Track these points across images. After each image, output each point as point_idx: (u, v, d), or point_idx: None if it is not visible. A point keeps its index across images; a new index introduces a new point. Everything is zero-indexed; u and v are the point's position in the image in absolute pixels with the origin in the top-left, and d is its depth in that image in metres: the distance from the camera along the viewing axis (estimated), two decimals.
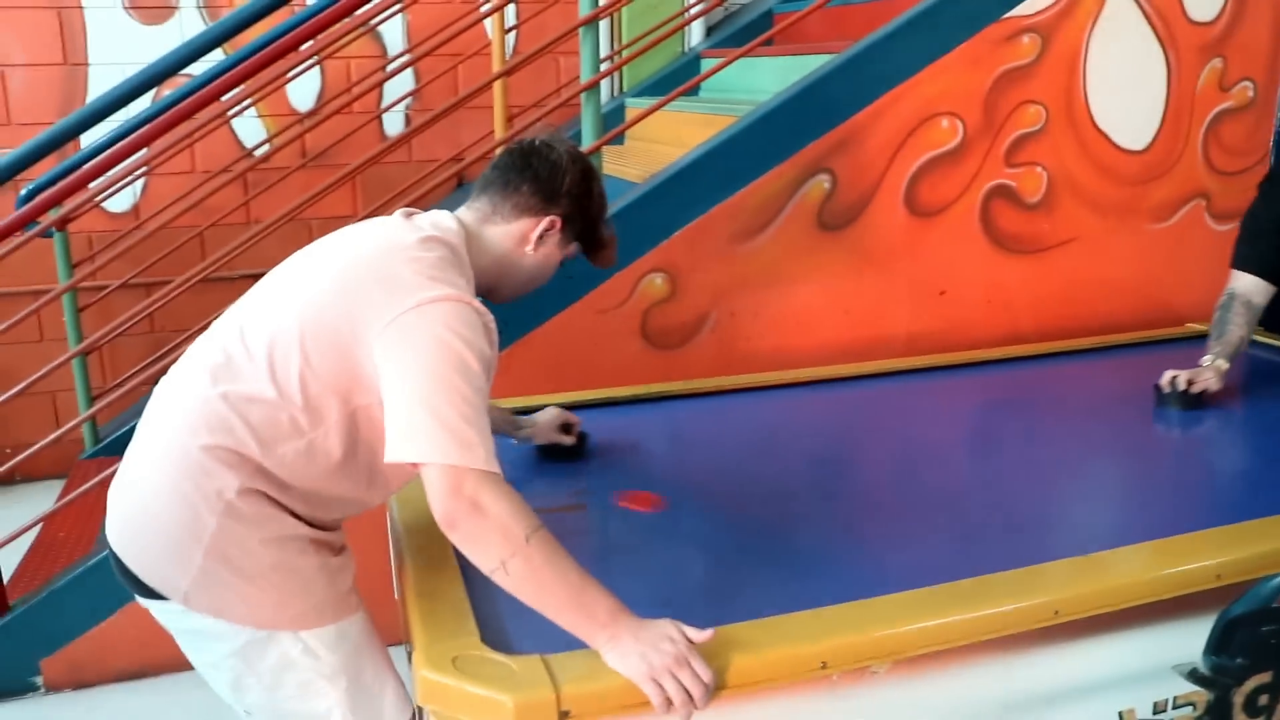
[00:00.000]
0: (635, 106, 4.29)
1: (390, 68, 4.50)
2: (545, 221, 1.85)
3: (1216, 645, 1.88)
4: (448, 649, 1.55)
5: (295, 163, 4.39)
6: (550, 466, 2.37)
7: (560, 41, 3.31)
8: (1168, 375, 2.79)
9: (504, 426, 2.34)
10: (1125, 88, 3.44)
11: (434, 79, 4.45)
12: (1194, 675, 1.88)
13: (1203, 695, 1.89)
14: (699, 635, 1.50)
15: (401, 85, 4.56)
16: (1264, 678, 1.96)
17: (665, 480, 2.31)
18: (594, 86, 3.03)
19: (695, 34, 4.74)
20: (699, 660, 1.47)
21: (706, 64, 4.47)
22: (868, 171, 3.19)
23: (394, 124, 4.69)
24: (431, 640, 1.59)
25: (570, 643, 1.52)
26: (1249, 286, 2.88)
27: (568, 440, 2.39)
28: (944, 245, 3.35)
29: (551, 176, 1.85)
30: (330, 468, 1.68)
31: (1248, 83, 3.63)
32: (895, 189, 3.24)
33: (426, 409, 1.52)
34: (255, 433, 1.63)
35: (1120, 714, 1.82)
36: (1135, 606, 1.78)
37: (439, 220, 1.82)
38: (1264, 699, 1.97)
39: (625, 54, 4.31)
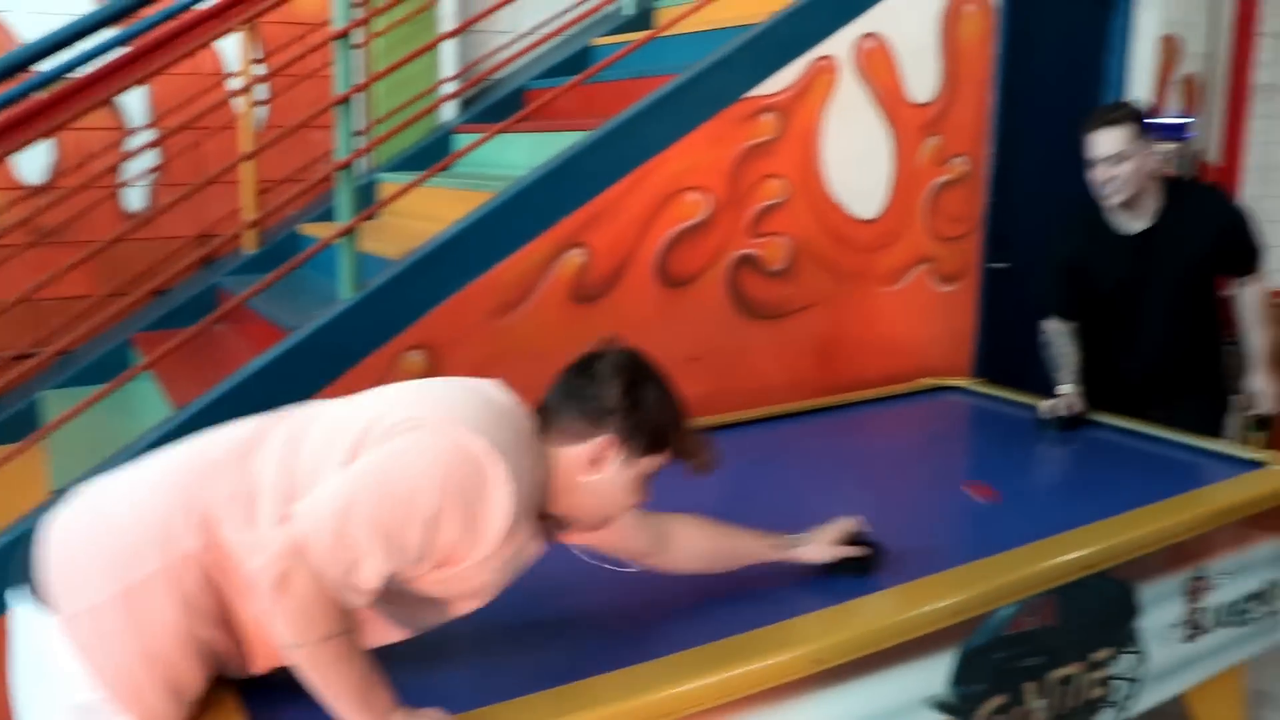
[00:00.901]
0: (388, 181, 4.31)
1: (133, 141, 4.36)
2: (596, 445, 1.73)
3: (959, 675, 2.06)
4: None
5: (22, 240, 4.17)
6: None
7: (313, 118, 3.31)
8: (1044, 405, 3.31)
9: (764, 551, 2.15)
10: (857, 162, 3.73)
11: (179, 153, 4.34)
12: (942, 705, 2.05)
13: None
14: None
15: (144, 158, 4.42)
16: (1000, 700, 2.16)
17: None
18: (348, 165, 3.04)
19: (448, 109, 4.80)
20: None
21: (458, 139, 4.54)
22: (620, 244, 3.32)
23: (134, 199, 4.53)
24: None
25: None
26: (1057, 324, 3.42)
27: (853, 552, 2.16)
28: (695, 313, 3.50)
29: (594, 396, 1.73)
30: None
31: (962, 158, 3.99)
32: (647, 261, 3.37)
33: (346, 497, 1.51)
34: (243, 508, 1.58)
35: None
36: (889, 648, 1.93)
37: (526, 412, 1.75)
38: (1000, 718, 2.16)
39: (379, 131, 4.33)
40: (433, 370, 3.07)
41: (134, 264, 4.13)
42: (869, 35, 3.68)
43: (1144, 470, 2.95)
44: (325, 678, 1.50)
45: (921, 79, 3.84)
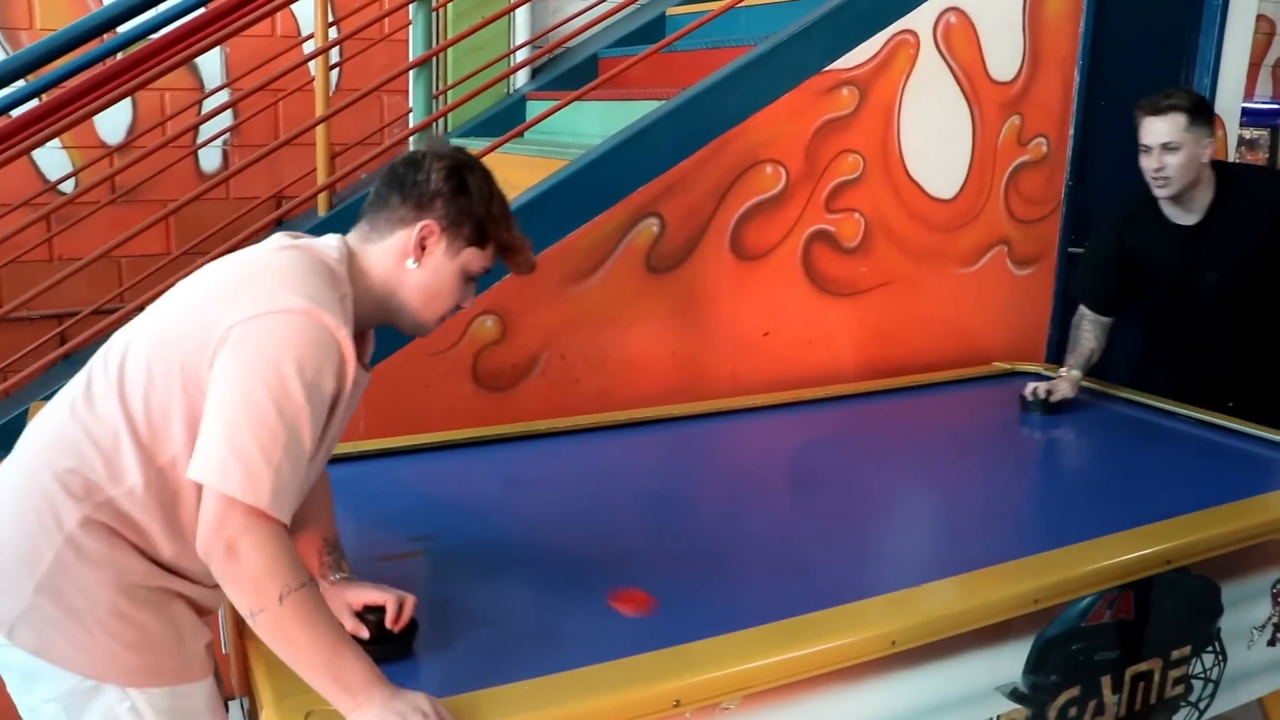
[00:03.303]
0: (462, 146, 4.31)
1: (208, 102, 4.39)
2: (419, 229, 1.69)
3: (1034, 665, 2.02)
4: (299, 704, 1.52)
5: (104, 198, 4.23)
6: (390, 508, 2.35)
7: (389, 81, 3.31)
8: (1030, 386, 3.21)
9: (312, 563, 1.88)
10: (935, 140, 3.66)
11: (254, 114, 4.36)
12: (1015, 694, 2.01)
13: (1022, 712, 2.03)
14: (448, 715, 1.50)
15: (219, 119, 4.45)
16: (1074, 692, 2.12)
17: (498, 525, 2.32)
18: (426, 128, 3.04)
19: (520, 75, 4.79)
20: None
21: (532, 105, 4.52)
22: (695, 216, 3.29)
23: (209, 159, 4.57)
24: (281, 696, 1.56)
25: (427, 689, 1.52)
26: (1086, 312, 3.33)
27: (359, 631, 1.73)
28: (767, 288, 3.47)
29: (417, 180, 1.70)
30: (185, 502, 1.59)
31: (1042, 138, 3.91)
32: (721, 233, 3.35)
33: (225, 431, 1.47)
34: (105, 459, 1.56)
35: None
36: (963, 633, 1.90)
37: (317, 240, 1.73)
38: (1074, 711, 2.13)
39: (453, 96, 4.32)
40: (506, 337, 3.07)
41: (209, 223, 4.16)
42: (952, 9, 3.60)
43: (1229, 464, 2.86)
44: (293, 642, 1.47)
45: (1004, 56, 3.76)
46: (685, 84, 3.31)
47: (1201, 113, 3.03)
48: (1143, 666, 2.24)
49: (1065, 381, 3.24)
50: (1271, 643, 2.50)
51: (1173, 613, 2.28)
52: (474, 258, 1.74)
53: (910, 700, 1.87)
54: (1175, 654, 2.30)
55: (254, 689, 1.70)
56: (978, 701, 1.97)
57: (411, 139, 3.11)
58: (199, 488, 1.52)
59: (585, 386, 3.24)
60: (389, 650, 1.69)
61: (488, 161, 3.28)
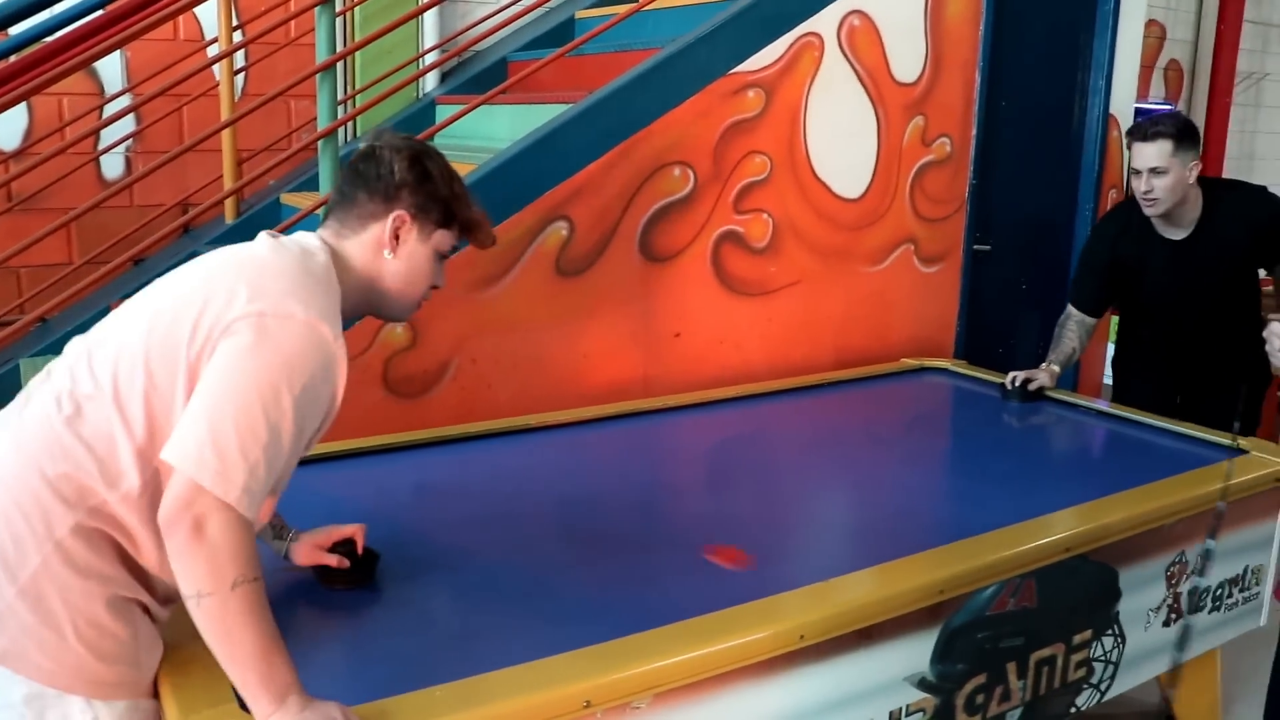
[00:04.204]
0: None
1: (110, 107, 4.29)
2: (392, 220, 1.77)
3: (941, 654, 2.06)
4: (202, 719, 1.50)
5: (0, 206, 4.11)
6: (300, 517, 2.32)
7: (294, 86, 3.27)
8: (1010, 375, 3.40)
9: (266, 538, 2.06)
10: (841, 141, 3.72)
11: (157, 120, 4.27)
12: (923, 684, 2.05)
13: (931, 701, 2.07)
14: None
15: (120, 124, 4.35)
16: (981, 679, 2.16)
17: (412, 531, 2.30)
18: (332, 133, 3.01)
19: (429, 79, 4.75)
20: None
21: (441, 109, 4.49)
22: (604, 218, 3.30)
23: (111, 166, 4.47)
24: (185, 711, 1.54)
25: (342, 697, 1.51)
26: (1075, 312, 3.48)
27: (330, 562, 1.99)
28: (678, 289, 3.50)
29: (381, 175, 1.77)
30: None
31: (946, 138, 3.99)
32: (631, 235, 3.36)
33: (208, 422, 1.49)
34: (99, 462, 1.55)
35: None
36: (871, 625, 1.93)
37: (302, 238, 1.78)
38: (980, 698, 2.17)
39: (361, 100, 4.28)
40: (416, 343, 3.05)
41: (112, 231, 4.06)
42: (855, 12, 3.66)
43: (1125, 454, 2.96)
44: (230, 633, 1.46)
45: (907, 58, 3.83)
46: (594, 87, 3.32)
47: (1187, 137, 3.20)
48: (1046, 652, 2.29)
49: (1044, 373, 3.39)
50: (1166, 623, 2.58)
51: (1073, 598, 2.34)
52: (443, 238, 1.83)
53: (821, 693, 1.89)
54: (1077, 638, 2.36)
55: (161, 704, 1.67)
56: (887, 692, 2.00)
57: (318, 143, 3.07)
58: None
59: (498, 391, 3.23)
60: (363, 576, 2.00)
61: None
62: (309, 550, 2.01)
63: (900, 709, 2.02)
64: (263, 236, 1.77)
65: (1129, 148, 3.26)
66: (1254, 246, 3.27)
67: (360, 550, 2.01)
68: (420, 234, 1.80)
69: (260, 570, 1.50)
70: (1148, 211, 3.25)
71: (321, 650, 1.81)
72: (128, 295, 3.80)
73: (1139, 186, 3.21)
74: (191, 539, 1.45)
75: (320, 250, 1.75)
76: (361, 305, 1.82)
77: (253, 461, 1.49)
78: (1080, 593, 2.35)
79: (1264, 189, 3.35)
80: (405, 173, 1.77)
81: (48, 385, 1.63)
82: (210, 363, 1.54)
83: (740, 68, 3.43)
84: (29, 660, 1.53)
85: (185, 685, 1.60)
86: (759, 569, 2.14)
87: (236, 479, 1.47)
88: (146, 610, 1.63)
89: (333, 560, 1.98)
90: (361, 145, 1.84)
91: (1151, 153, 3.15)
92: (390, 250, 1.79)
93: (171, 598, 1.65)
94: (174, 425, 1.54)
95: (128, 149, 4.43)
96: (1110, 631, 2.43)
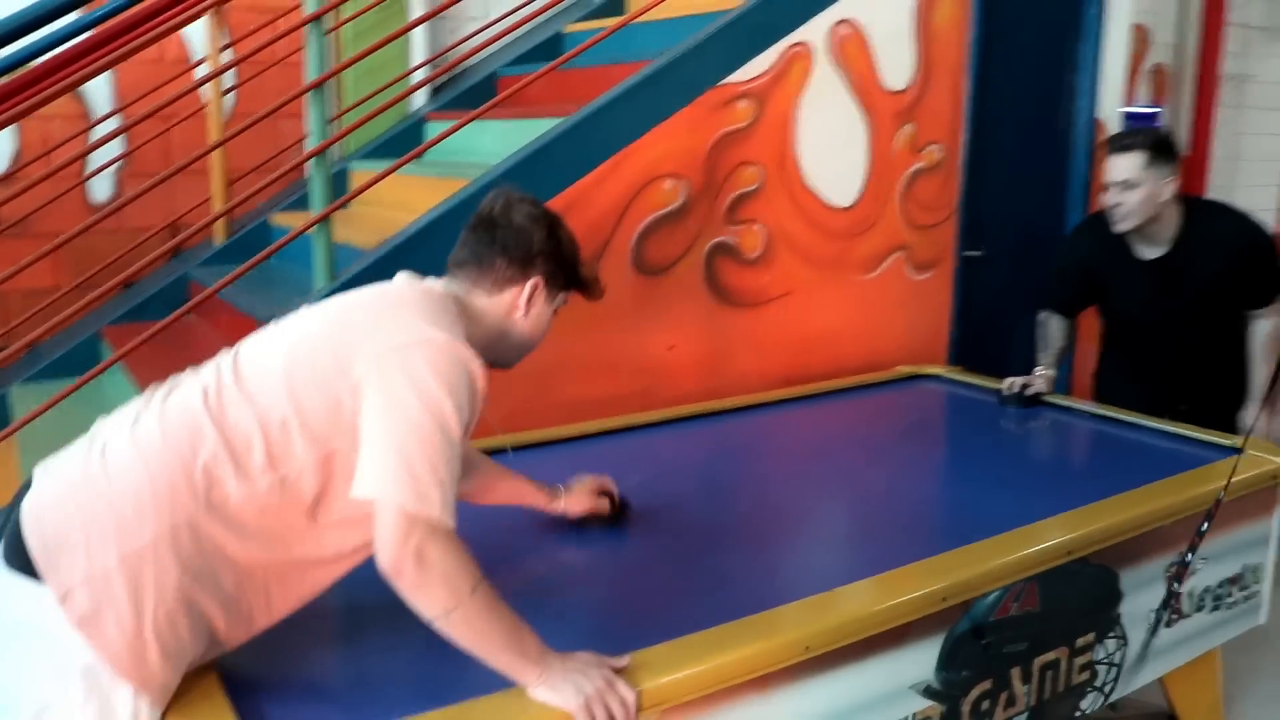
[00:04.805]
0: (360, 170, 4.27)
1: (97, 130, 4.28)
2: (529, 287, 1.90)
3: (946, 661, 2.06)
4: None
5: None
6: None
7: (284, 105, 3.26)
8: (1007, 381, 3.40)
9: (533, 498, 2.36)
10: (832, 150, 3.73)
11: (146, 142, 4.27)
12: (929, 691, 2.05)
13: (937, 708, 2.07)
14: (618, 662, 1.67)
15: (108, 146, 4.35)
16: (986, 685, 2.17)
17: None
18: (323, 152, 3.00)
19: (419, 96, 4.76)
20: (623, 684, 1.63)
21: (431, 126, 4.50)
22: (596, 233, 3.30)
23: (100, 189, 4.46)
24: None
25: (333, 714, 1.51)
26: (1053, 315, 3.47)
27: (603, 509, 2.39)
28: (671, 301, 3.50)
29: (520, 243, 1.90)
30: (296, 516, 1.66)
31: (936, 145, 4.00)
32: (623, 249, 3.36)
33: (395, 450, 1.58)
34: (234, 459, 1.62)
35: None
36: (876, 634, 1.93)
37: (433, 284, 1.89)
38: (986, 704, 2.17)
39: (351, 118, 4.28)
40: None
41: (101, 255, 4.05)
42: (843, 22, 3.67)
43: (1123, 456, 2.96)
44: (482, 631, 1.59)
45: (896, 66, 3.85)
46: (583, 101, 3.32)
47: (1163, 152, 3.11)
48: (1050, 656, 2.30)
49: (1041, 379, 3.38)
50: (1168, 624, 2.58)
51: (1075, 601, 2.34)
52: (565, 298, 2.02)
53: (827, 704, 1.89)
54: (1080, 641, 2.36)
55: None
56: (893, 701, 2.00)
57: (309, 162, 3.06)
58: (314, 496, 1.65)
59: (490, 410, 3.20)
60: (620, 519, 2.40)
61: (389, 182, 3.31)
62: (584, 499, 2.37)
63: (907, 717, 2.02)
64: (401, 275, 1.89)
65: (1106, 160, 3.20)
66: (1232, 275, 3.16)
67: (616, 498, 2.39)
68: (548, 297, 1.95)
69: (479, 567, 1.61)
70: (1116, 227, 3.16)
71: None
72: (118, 320, 3.87)
73: (1107, 200, 3.15)
74: (420, 572, 1.56)
75: (448, 298, 1.85)
76: (482, 355, 1.85)
77: (442, 476, 1.59)
78: (1082, 596, 2.36)
79: (1247, 215, 3.25)
80: (544, 243, 1.91)
81: (191, 382, 1.71)
82: (371, 396, 1.63)
83: (730, 79, 3.44)
84: (104, 633, 1.54)
85: (185, 708, 1.60)
86: (761, 580, 2.14)
87: (434, 495, 1.57)
88: (209, 626, 1.65)
89: (605, 505, 2.37)
90: (491, 206, 1.94)
91: (1123, 165, 3.08)
92: (524, 314, 1.92)
93: (236, 641, 1.69)
94: (293, 442, 1.64)
95: (116, 171, 4.43)
96: (1113, 634, 2.44)
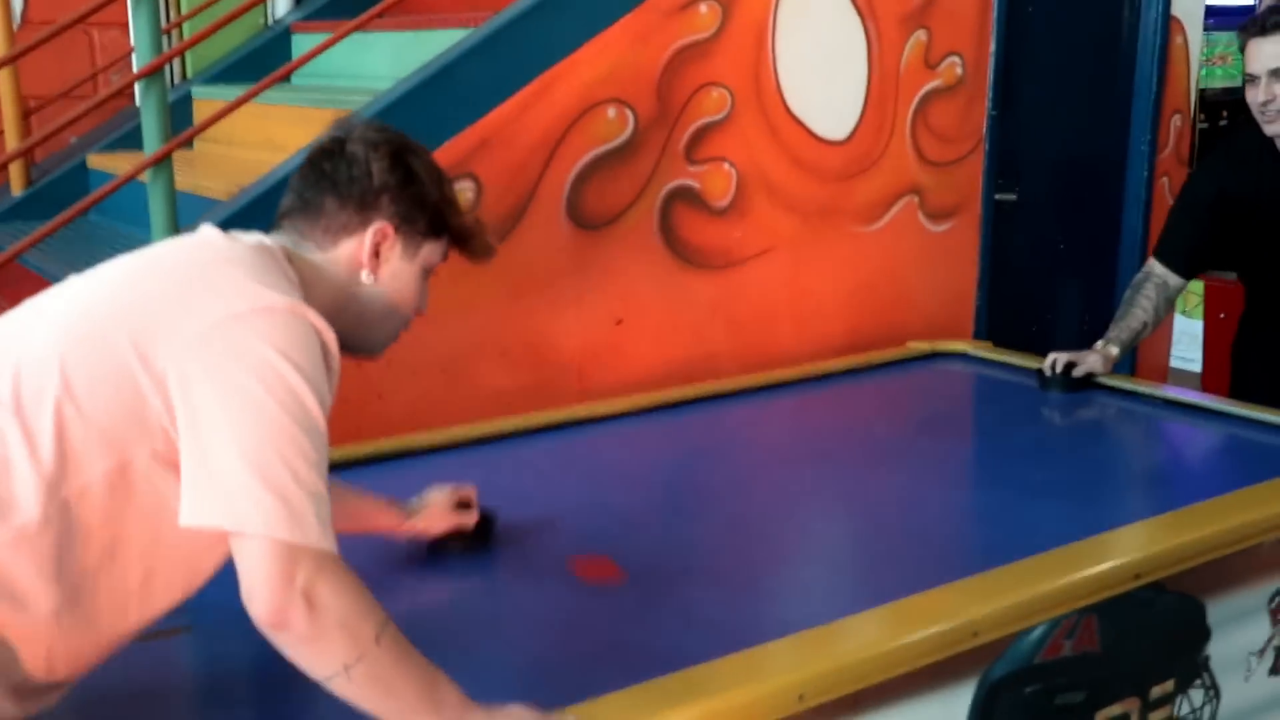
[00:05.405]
0: (206, 98, 4.24)
1: None
2: (371, 235, 1.83)
3: (981, 714, 2.08)
4: None
5: None
6: None
7: (95, 11, 3.22)
8: (1050, 358, 3.38)
9: (379, 519, 2.31)
10: (821, 67, 3.74)
11: None
12: None
13: None
14: (561, 718, 1.66)
15: None
16: None
17: None
18: (157, 71, 2.97)
19: (280, 4, 4.73)
20: None
21: (299, 40, 4.47)
22: (520, 175, 3.30)
23: None
24: None
25: None
26: (1164, 270, 3.41)
27: (467, 525, 2.36)
28: (619, 263, 3.51)
29: (355, 177, 1.82)
30: (91, 550, 1.57)
31: (955, 58, 4.03)
32: (555, 196, 3.36)
33: (245, 461, 1.50)
34: None
35: None
36: (889, 679, 1.94)
37: (254, 237, 1.79)
38: None
39: (191, 29, 4.24)
40: None
41: None
42: None
43: (1207, 455, 2.99)
44: (391, 687, 1.56)
45: None
46: (495, 8, 3.32)
47: None
48: (1115, 710, 2.31)
49: (1096, 354, 3.37)
50: (1274, 671, 2.60)
51: (1148, 640, 2.36)
52: (432, 251, 1.91)
53: None
54: (1156, 691, 2.37)
55: None
56: None
57: (136, 85, 3.04)
58: (110, 519, 1.56)
59: (391, 401, 3.21)
60: (482, 538, 2.38)
61: (246, 113, 3.29)
62: (443, 515, 2.33)
63: None
64: (206, 227, 1.79)
65: (1243, 49, 3.20)
66: None
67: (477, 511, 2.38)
68: (405, 249, 1.86)
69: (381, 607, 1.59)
70: (1270, 129, 3.19)
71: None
72: None
73: (1255, 98, 3.17)
74: (311, 619, 1.50)
75: (276, 252, 1.76)
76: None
77: (313, 488, 1.53)
78: (1157, 632, 2.38)
79: None
80: (386, 174, 1.82)
81: None
82: (194, 390, 1.54)
83: None
84: None
85: None
86: (742, 613, 2.16)
87: (310, 516, 1.52)
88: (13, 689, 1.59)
89: (470, 518, 2.34)
90: (324, 137, 1.86)
91: (1274, 50, 3.10)
92: (370, 271, 1.84)
93: (25, 691, 1.61)
94: (90, 451, 1.55)
95: None
96: (1199, 682, 2.46)
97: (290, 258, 1.78)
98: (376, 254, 1.83)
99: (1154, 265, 3.47)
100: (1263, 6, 3.20)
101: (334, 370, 1.69)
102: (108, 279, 1.71)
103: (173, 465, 1.55)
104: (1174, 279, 3.44)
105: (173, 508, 1.54)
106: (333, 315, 1.73)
